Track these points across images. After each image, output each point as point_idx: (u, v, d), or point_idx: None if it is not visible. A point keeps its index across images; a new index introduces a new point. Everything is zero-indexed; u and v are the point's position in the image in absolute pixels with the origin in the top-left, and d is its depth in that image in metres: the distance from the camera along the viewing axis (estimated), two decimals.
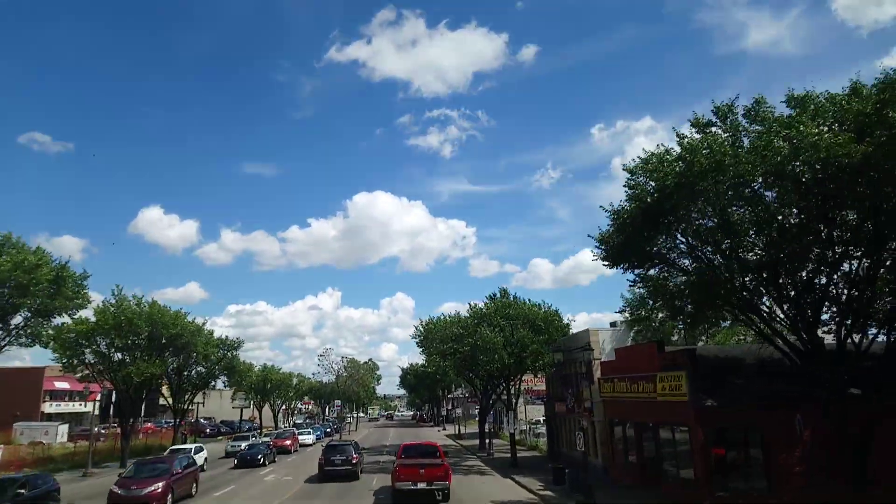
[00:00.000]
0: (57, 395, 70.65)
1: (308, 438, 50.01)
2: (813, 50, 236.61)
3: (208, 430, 71.59)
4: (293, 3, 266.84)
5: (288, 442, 42.95)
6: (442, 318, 37.07)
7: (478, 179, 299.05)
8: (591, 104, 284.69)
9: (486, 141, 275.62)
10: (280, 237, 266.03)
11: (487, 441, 38.75)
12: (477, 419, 69.22)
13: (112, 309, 37.29)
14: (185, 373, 46.29)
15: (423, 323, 36.93)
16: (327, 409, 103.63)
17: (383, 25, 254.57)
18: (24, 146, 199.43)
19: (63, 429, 60.48)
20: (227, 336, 47.24)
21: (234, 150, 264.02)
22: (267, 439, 44.11)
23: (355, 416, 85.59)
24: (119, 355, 40.01)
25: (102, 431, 60.43)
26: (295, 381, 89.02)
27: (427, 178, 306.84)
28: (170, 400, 45.85)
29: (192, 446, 31.95)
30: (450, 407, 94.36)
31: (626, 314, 29.63)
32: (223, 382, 50.96)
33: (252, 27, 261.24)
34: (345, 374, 60.37)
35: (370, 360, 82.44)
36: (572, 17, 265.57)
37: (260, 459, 32.87)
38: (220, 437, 69.53)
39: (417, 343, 40.58)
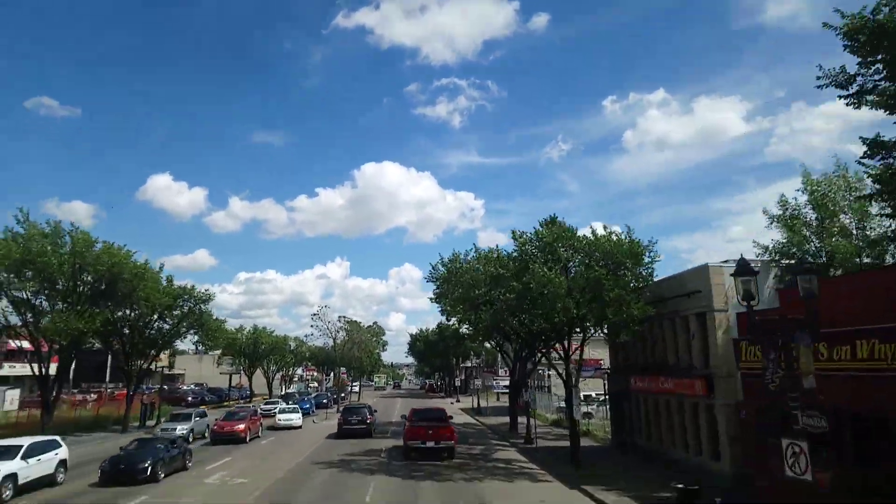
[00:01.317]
0: (14, 356, 62.05)
1: (293, 418, 35.61)
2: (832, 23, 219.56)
3: (190, 399, 62.55)
4: None
5: (240, 426, 28.04)
6: (470, 253, 26.81)
7: (487, 151, 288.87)
8: (603, 75, 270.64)
9: (496, 111, 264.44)
10: (288, 206, 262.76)
11: (527, 423, 28.95)
12: (499, 392, 59.83)
13: (20, 240, 27.41)
14: (145, 329, 36.86)
15: (444, 261, 26.76)
16: (332, 377, 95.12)
17: None
18: (32, 111, 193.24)
19: (13, 394, 51.73)
20: (191, 285, 37.36)
21: (243, 118, 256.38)
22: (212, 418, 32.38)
23: (358, 384, 76.51)
24: (45, 304, 30.57)
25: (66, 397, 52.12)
26: (292, 345, 79.97)
27: (436, 150, 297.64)
28: (112, 363, 36.21)
29: (26, 442, 17.20)
30: (462, 377, 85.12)
31: (777, 243, 18.76)
32: (193, 343, 41.29)
33: None
34: (344, 337, 50.88)
35: (375, 323, 72.90)
36: None
37: (145, 469, 17.90)
38: (202, 408, 60.74)
39: (434, 294, 30.43)
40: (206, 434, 29.87)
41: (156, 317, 36.82)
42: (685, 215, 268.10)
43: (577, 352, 22.62)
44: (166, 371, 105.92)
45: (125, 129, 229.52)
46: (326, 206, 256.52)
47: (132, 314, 35.83)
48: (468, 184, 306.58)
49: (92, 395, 57.30)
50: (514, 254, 22.58)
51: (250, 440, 28.84)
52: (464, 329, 35.12)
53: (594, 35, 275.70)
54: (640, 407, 24.14)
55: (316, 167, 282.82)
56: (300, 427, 35.48)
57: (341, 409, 39.52)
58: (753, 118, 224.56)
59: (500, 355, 47.09)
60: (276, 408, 39.56)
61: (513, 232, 21.48)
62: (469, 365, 79.11)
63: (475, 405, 53.50)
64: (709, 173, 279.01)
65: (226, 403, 64.76)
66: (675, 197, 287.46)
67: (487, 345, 62.55)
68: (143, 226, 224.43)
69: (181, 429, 26.11)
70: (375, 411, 36.14)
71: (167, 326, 38.37)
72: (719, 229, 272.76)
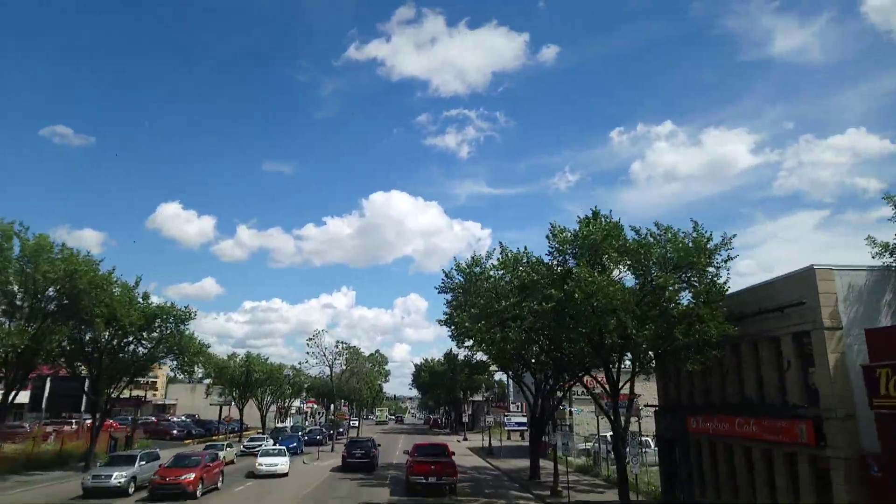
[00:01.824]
0: None
1: (276, 463, 27.95)
2: (842, 56, 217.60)
3: (175, 432, 57.60)
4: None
5: (188, 476, 20.41)
6: (493, 256, 22.13)
7: (496, 182, 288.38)
8: (611, 107, 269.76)
9: (505, 142, 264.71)
10: (295, 234, 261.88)
11: (554, 470, 24.03)
12: (511, 429, 54.40)
13: None
14: (118, 352, 32.45)
15: (460, 266, 22.34)
16: (332, 410, 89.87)
17: (402, 24, 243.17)
18: (46, 139, 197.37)
19: None
20: (170, 303, 32.99)
21: (252, 148, 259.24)
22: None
23: (357, 419, 70.87)
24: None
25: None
26: (289, 373, 74.73)
27: (444, 180, 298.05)
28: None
29: None
30: (470, 412, 79.44)
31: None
32: (171, 369, 36.65)
33: (272, 23, 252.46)
34: (342, 366, 45.85)
35: (377, 351, 67.85)
36: (594, 18, 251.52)
37: None
38: (187, 441, 55.66)
39: (445, 314, 25.80)
40: None
41: (131, 339, 32.43)
42: None
43: (628, 384, 17.96)
44: (158, 401, 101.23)
45: (137, 157, 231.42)
46: (334, 234, 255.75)
47: (102, 335, 31.50)
48: (475, 214, 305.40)
49: (72, 426, 52.73)
50: (550, 257, 18.12)
51: (203, 494, 21.32)
52: (480, 356, 30.49)
53: (603, 66, 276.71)
54: (704, 456, 19.28)
55: (324, 196, 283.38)
56: (286, 474, 28.25)
57: (338, 446, 34.42)
58: (762, 150, 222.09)
59: (515, 388, 42.19)
60: (261, 445, 34.48)
61: (551, 225, 17.01)
62: (479, 399, 73.81)
63: (486, 444, 48.18)
64: (717, 206, 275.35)
65: (214, 438, 59.69)
66: (684, 229, 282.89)
67: (500, 376, 57.58)
68: (151, 254, 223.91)
69: (118, 476, 20.19)
70: (379, 445, 35.88)
71: (143, 350, 33.92)
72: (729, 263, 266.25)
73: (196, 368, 37.15)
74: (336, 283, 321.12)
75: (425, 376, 79.54)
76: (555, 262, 17.47)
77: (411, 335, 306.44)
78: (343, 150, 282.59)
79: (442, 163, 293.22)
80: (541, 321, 17.02)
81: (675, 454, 21.54)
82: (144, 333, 32.70)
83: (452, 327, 24.24)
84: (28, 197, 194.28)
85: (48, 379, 54.41)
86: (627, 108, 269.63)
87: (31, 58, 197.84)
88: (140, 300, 32.28)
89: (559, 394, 29.71)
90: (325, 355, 43.56)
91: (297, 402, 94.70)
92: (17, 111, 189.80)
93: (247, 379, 61.23)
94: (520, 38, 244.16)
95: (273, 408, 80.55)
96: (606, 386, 18.52)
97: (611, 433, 37.92)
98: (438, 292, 22.64)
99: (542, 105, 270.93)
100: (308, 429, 56.89)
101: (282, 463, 28.31)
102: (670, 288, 15.22)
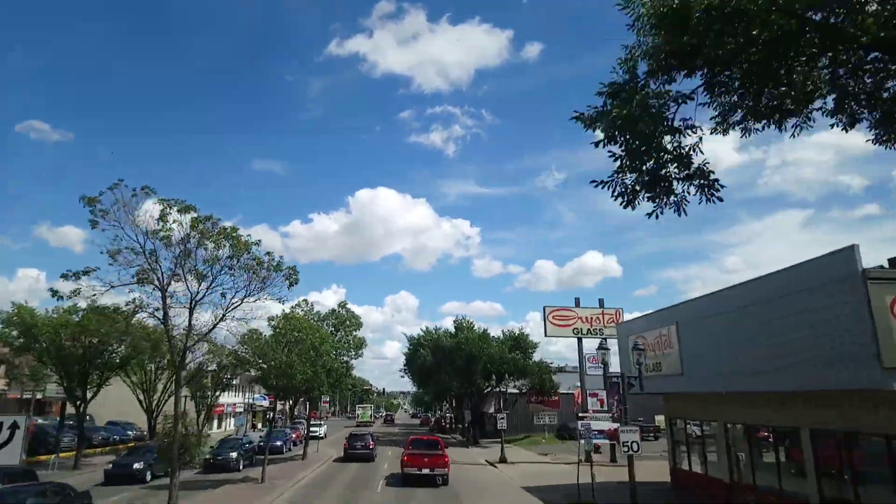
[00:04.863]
0: None
1: None
2: None
3: None
4: None
5: None
6: None
7: (485, 181, 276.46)
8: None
9: (491, 140, 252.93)
10: (282, 231, 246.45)
11: None
12: (586, 440, 25.51)
13: None
14: None
15: None
16: (301, 408, 60.27)
17: (383, 18, 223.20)
18: (23, 135, 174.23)
19: None
20: None
21: (235, 143, 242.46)
22: None
23: (306, 420, 40.94)
24: None
25: None
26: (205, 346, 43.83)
27: (433, 178, 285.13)
28: None
29: None
30: (498, 409, 50.28)
31: None
32: None
33: (256, 18, 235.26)
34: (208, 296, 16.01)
35: (342, 305, 38.55)
36: (578, 14, 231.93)
37: None
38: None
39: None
40: None
41: None
42: (679, 247, 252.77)
43: None
44: (39, 396, 70.15)
45: (119, 154, 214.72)
46: (320, 231, 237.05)
47: None
48: (464, 212, 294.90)
49: None
50: None
51: None
52: None
53: (586, 64, 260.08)
54: None
55: (310, 193, 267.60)
56: None
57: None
58: (746, 149, 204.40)
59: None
60: None
61: None
62: (514, 391, 45.13)
63: (550, 476, 19.10)
64: (703, 205, 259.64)
65: (36, 460, 30.27)
66: (671, 228, 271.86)
67: (557, 346, 29.43)
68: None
69: None
70: (377, 438, 37.89)
71: None
72: (715, 260, 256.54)
73: None
74: (324, 281, 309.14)
75: (425, 355, 50.51)
76: None
77: (402, 333, 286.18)
78: (328, 147, 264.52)
79: (430, 161, 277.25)
80: None
81: None
82: None
83: None
84: (7, 193, 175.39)
85: None
86: None
87: (8, 51, 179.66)
88: None
89: None
90: (143, 252, 14.72)
91: (233, 399, 64.89)
92: None
93: (85, 351, 32.11)
94: (503, 34, 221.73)
95: (191, 405, 51.16)
96: None
97: None
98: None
99: (527, 103, 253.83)
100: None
101: None
102: None
